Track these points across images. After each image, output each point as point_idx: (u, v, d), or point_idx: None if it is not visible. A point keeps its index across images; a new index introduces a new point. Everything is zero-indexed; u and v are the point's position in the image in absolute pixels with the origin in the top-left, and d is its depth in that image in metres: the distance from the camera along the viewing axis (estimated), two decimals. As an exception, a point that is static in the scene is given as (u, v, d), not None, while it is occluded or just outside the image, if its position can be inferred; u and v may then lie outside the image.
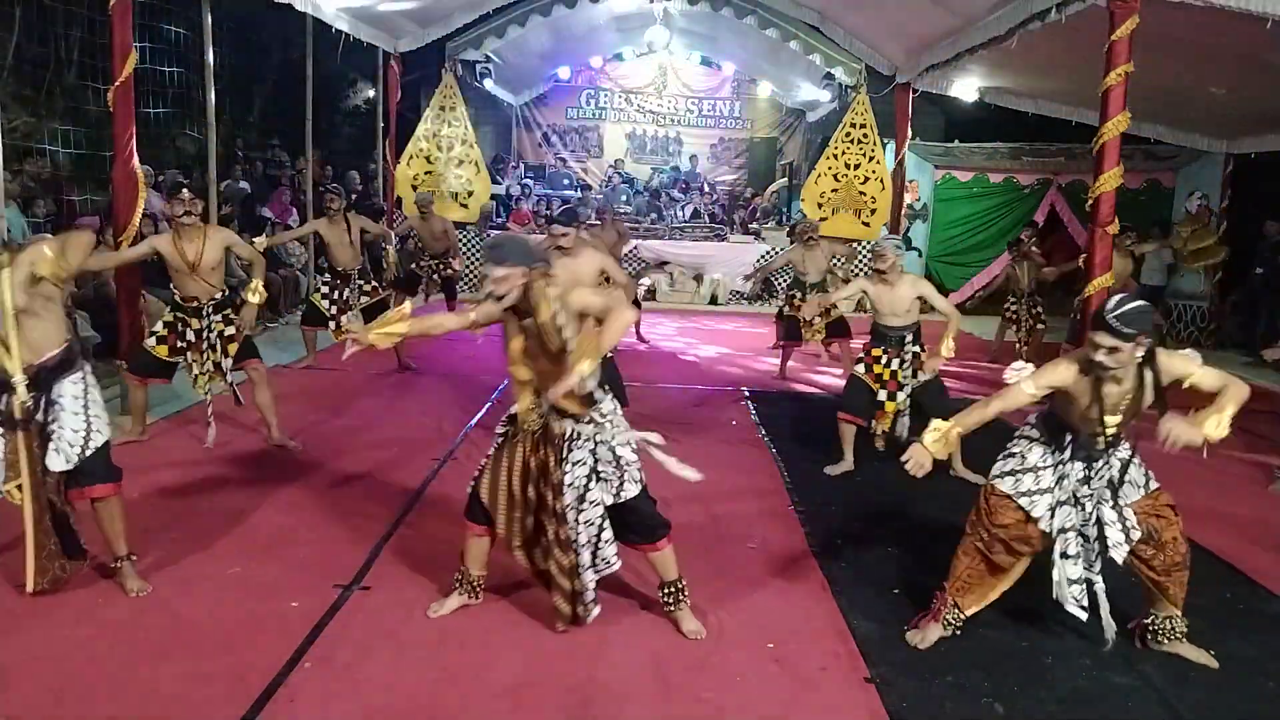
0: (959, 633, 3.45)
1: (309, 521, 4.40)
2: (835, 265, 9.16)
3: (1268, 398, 8.45)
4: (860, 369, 5.54)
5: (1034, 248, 9.01)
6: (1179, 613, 3.39)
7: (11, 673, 3.01)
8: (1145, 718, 3.10)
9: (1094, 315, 3.12)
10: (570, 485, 3.28)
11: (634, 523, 3.41)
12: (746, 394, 7.41)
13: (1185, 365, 3.21)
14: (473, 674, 3.15)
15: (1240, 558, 4.43)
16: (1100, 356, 3.08)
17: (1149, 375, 3.15)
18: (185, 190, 5.14)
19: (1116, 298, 3.10)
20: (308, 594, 3.62)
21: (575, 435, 3.30)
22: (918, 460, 3.22)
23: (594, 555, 3.36)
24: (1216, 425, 3.11)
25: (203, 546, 4.05)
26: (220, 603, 3.56)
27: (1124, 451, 3.36)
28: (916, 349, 5.48)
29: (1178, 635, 3.41)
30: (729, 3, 11.24)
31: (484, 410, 6.55)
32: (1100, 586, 3.32)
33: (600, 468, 3.32)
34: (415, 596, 3.63)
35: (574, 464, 3.28)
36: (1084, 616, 3.31)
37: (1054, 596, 3.33)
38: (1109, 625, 3.31)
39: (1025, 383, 3.24)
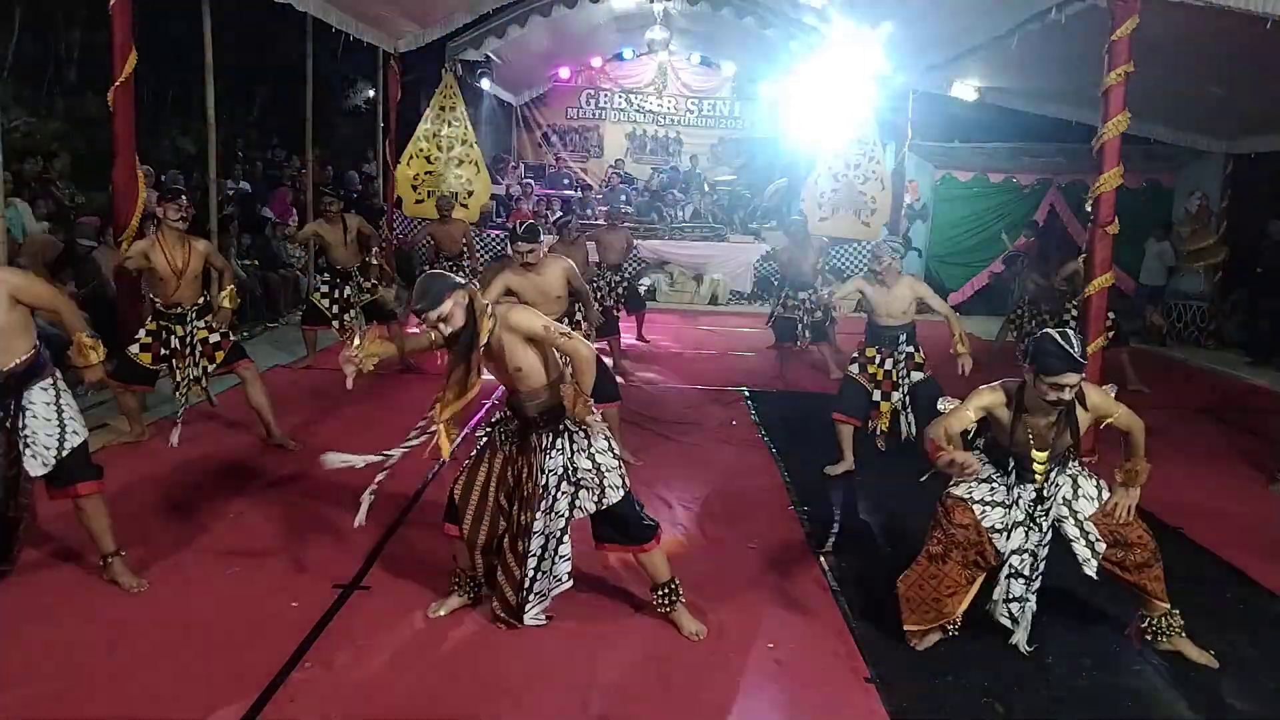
0: (957, 634, 3.45)
1: (309, 521, 4.40)
2: (820, 264, 9.19)
3: (1267, 397, 8.45)
4: (854, 369, 5.54)
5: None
6: (1168, 606, 3.39)
7: (11, 672, 3.01)
8: (1145, 718, 3.10)
9: (1057, 355, 3.07)
10: (540, 499, 3.31)
11: (620, 526, 3.42)
12: (746, 394, 7.40)
13: (1110, 403, 3.32)
14: (473, 674, 3.15)
15: (1240, 558, 4.43)
16: (1067, 395, 3.13)
17: (1075, 409, 3.23)
18: (184, 196, 5.22)
19: (1072, 334, 3.12)
20: (308, 594, 3.62)
21: (551, 446, 3.31)
22: (963, 461, 3.18)
23: (550, 571, 3.37)
24: (1145, 474, 3.33)
25: (203, 546, 4.05)
26: (220, 603, 3.56)
27: (1073, 468, 3.40)
28: (910, 349, 5.47)
29: (1177, 631, 3.41)
30: (729, 3, 11.23)
31: (484, 410, 6.54)
32: (1032, 606, 3.37)
33: (580, 476, 3.33)
34: (415, 596, 3.63)
35: (548, 472, 3.30)
36: (1012, 628, 3.36)
37: (986, 609, 3.38)
38: (1021, 640, 3.37)
39: (963, 411, 3.30)
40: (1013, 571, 3.34)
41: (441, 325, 3.14)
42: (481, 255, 12.73)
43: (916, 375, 5.45)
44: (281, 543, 4.15)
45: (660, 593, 3.48)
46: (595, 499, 3.35)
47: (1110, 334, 6.90)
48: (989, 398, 3.31)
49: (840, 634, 3.53)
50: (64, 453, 3.46)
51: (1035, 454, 3.25)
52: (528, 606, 3.39)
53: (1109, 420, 3.34)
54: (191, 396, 5.41)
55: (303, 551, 4.06)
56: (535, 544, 3.33)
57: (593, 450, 3.35)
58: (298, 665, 3.12)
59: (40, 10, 9.49)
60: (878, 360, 5.47)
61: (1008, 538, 3.34)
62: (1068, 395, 3.13)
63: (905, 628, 3.39)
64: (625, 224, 10.30)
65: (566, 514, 3.34)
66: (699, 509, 4.81)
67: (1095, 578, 3.35)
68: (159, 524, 4.23)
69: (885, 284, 5.40)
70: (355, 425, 6.15)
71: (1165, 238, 11.24)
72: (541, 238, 5.14)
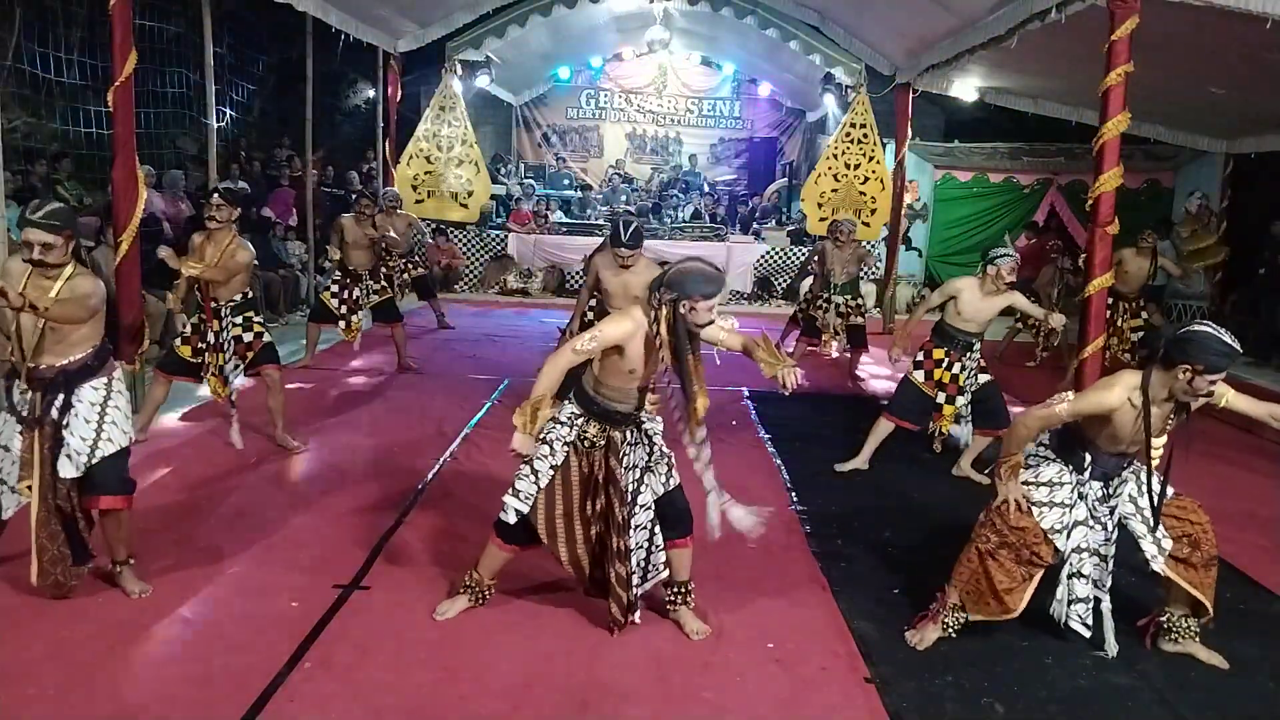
0: (956, 634, 3.45)
1: (309, 521, 4.40)
2: (864, 273, 9.16)
3: (1267, 397, 8.45)
4: (919, 375, 5.39)
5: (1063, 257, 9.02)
6: (1210, 610, 3.37)
7: (11, 673, 3.01)
8: (1145, 718, 3.10)
9: (1224, 353, 3.02)
10: (633, 494, 3.33)
11: (671, 515, 3.43)
12: (746, 394, 7.40)
13: (1220, 385, 3.19)
14: (473, 674, 3.15)
15: (1240, 558, 4.43)
16: (1216, 388, 3.10)
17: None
18: (215, 194, 5.24)
19: (1224, 332, 3.05)
20: (308, 594, 3.62)
21: (633, 441, 3.35)
22: (1011, 496, 3.29)
23: (646, 561, 3.38)
24: None
25: (203, 546, 4.05)
26: (220, 603, 3.56)
27: (1135, 464, 3.37)
28: (979, 355, 5.40)
29: (1192, 634, 3.41)
30: (729, 3, 11.23)
31: (484, 410, 6.55)
32: (1107, 605, 3.35)
33: (653, 462, 3.38)
34: (415, 596, 3.63)
35: (629, 469, 3.33)
36: (1087, 634, 3.34)
37: (1050, 612, 3.37)
38: (1112, 644, 3.36)
39: (1063, 407, 3.24)
40: (1073, 571, 3.33)
41: (713, 316, 3.24)
42: (481, 255, 12.77)
43: (984, 377, 5.43)
44: (281, 543, 4.15)
45: (674, 589, 3.49)
46: (663, 481, 3.40)
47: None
48: (1118, 395, 3.20)
49: (840, 634, 3.53)
50: (95, 458, 3.40)
51: (1156, 440, 3.21)
52: (636, 600, 3.39)
53: (1224, 402, 3.23)
54: (221, 391, 5.42)
55: (303, 551, 4.06)
56: (638, 538, 3.33)
57: (659, 439, 3.43)
58: (298, 665, 3.12)
59: (40, 10, 9.48)
60: (946, 363, 5.35)
61: (1068, 537, 3.31)
62: (1217, 388, 3.10)
63: (971, 618, 3.40)
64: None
65: (649, 503, 3.37)
66: (699, 509, 4.80)
67: (1160, 573, 3.33)
68: (159, 523, 4.22)
69: (991, 290, 5.24)
70: (356, 425, 6.15)
71: (1165, 237, 11.25)
72: (644, 243, 5.22)
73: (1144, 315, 8.30)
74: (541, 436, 3.32)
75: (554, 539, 3.35)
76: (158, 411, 5.62)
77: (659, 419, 3.49)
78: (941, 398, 5.39)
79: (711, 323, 3.26)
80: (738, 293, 13.07)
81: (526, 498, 3.33)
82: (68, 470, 3.38)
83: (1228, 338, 3.05)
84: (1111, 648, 3.35)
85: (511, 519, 3.35)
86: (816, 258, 8.52)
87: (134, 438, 3.55)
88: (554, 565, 3.76)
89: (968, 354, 5.34)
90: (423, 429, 6.09)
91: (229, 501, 4.60)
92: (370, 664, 3.17)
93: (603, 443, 3.34)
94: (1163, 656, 3.42)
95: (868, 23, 10.71)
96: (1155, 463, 3.26)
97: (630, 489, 3.33)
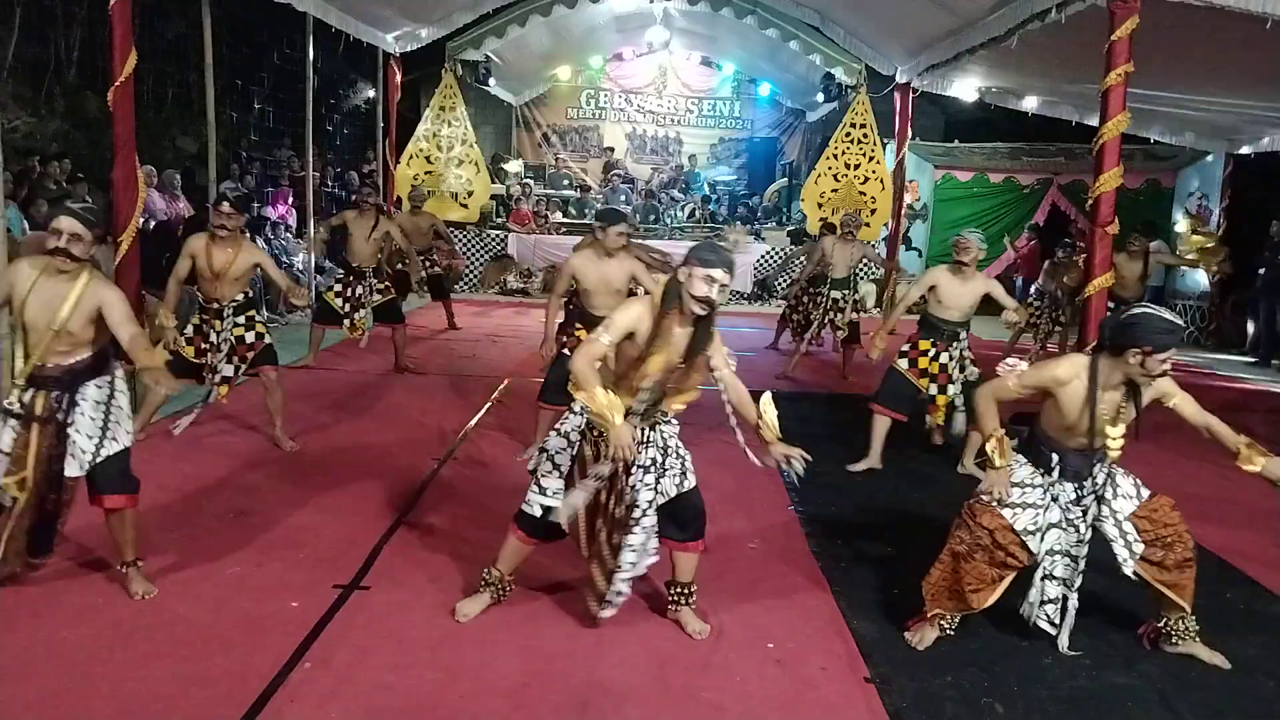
0: (953, 632, 3.45)
1: (309, 521, 4.40)
2: (864, 265, 9.20)
3: (1267, 397, 8.46)
4: (904, 363, 5.43)
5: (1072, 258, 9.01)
6: (1189, 610, 3.38)
7: (11, 673, 3.01)
8: (1145, 718, 3.10)
9: (1169, 330, 3.08)
10: (636, 491, 3.26)
11: (685, 516, 3.39)
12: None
13: (1171, 384, 3.30)
14: (473, 674, 3.15)
15: (1240, 558, 4.43)
16: (1166, 389, 3.19)
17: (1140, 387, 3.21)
18: (225, 203, 5.22)
19: (1164, 311, 3.11)
20: (308, 594, 3.62)
21: (646, 440, 3.30)
22: (997, 487, 3.28)
23: (635, 564, 3.30)
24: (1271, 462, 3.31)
25: (203, 546, 4.05)
26: (220, 603, 3.55)
27: (1109, 466, 3.38)
28: (965, 345, 5.43)
29: (1192, 635, 3.41)
30: (729, 3, 11.24)
31: (484, 410, 6.55)
32: (1074, 603, 3.36)
33: (668, 462, 3.33)
34: (415, 596, 3.63)
35: (640, 468, 3.27)
36: (1053, 632, 3.36)
37: (1020, 612, 3.37)
38: (1064, 639, 3.37)
39: (1011, 377, 3.31)
40: (1046, 574, 3.33)
41: (719, 288, 3.19)
42: (481, 255, 12.77)
43: (973, 371, 5.41)
44: (281, 543, 4.15)
45: (676, 590, 3.48)
46: (678, 483, 3.34)
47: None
48: (1066, 369, 3.24)
49: (840, 634, 3.53)
50: (99, 457, 3.41)
51: (1109, 430, 3.22)
52: (616, 594, 3.32)
53: (1172, 402, 3.30)
54: (216, 393, 5.43)
55: (303, 551, 4.06)
56: (635, 539, 3.26)
57: (676, 441, 3.38)
58: (298, 665, 3.12)
59: (40, 10, 9.49)
60: (932, 354, 5.38)
61: (1041, 539, 3.31)
62: (1165, 368, 3.13)
63: (931, 612, 3.39)
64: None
65: (648, 504, 3.28)
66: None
67: (1133, 578, 3.34)
68: (159, 523, 4.22)
69: (963, 276, 5.30)
70: (356, 425, 6.15)
71: (1154, 237, 11.32)
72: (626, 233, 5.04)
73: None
74: (559, 430, 3.37)
75: (575, 531, 3.34)
76: (156, 412, 5.61)
77: (675, 421, 3.42)
78: (933, 389, 5.40)
79: (708, 299, 3.17)
80: (737, 293, 13.07)
81: (554, 493, 3.33)
82: (72, 469, 3.39)
83: (1170, 315, 3.12)
84: (1063, 642, 3.36)
85: (536, 513, 3.34)
86: (811, 253, 8.58)
87: (136, 434, 3.56)
88: (555, 565, 3.78)
89: (954, 343, 5.38)
90: (423, 429, 6.09)
91: (229, 501, 4.60)
92: (370, 664, 3.17)
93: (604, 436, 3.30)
94: (1163, 656, 3.42)
95: (868, 23, 10.72)
96: (1115, 454, 3.26)
97: (633, 488, 3.27)
